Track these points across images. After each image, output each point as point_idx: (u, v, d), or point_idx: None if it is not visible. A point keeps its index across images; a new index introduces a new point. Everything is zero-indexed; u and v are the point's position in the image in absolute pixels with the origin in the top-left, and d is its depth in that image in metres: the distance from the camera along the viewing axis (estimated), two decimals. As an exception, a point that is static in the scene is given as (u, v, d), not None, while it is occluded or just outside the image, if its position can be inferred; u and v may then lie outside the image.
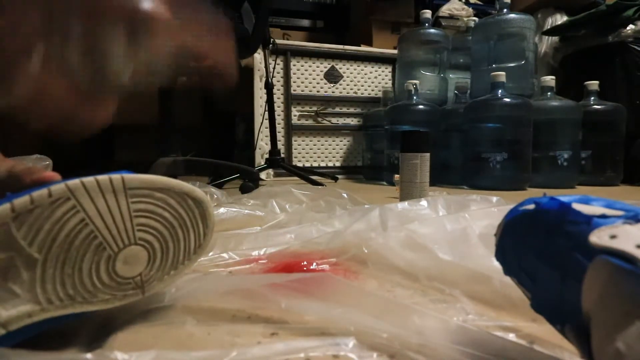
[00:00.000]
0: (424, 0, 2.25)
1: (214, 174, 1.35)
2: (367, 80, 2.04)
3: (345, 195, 0.77)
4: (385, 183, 1.67)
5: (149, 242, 0.28)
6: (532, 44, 1.57)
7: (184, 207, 0.30)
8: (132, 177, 0.27)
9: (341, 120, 2.02)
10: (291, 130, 1.93)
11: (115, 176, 0.26)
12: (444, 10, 2.20)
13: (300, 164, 1.94)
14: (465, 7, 2.23)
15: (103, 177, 0.26)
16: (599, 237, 0.19)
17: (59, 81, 0.17)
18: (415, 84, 1.57)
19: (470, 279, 0.36)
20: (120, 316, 0.30)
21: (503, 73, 1.41)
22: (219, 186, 1.19)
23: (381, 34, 2.15)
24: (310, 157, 1.98)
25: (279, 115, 1.89)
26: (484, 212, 0.46)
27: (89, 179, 0.25)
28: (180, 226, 0.30)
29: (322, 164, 2.00)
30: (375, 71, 2.05)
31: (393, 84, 2.04)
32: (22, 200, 0.23)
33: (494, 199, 0.60)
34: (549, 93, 1.53)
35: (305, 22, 2.36)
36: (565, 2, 2.01)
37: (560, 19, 1.99)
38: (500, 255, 0.26)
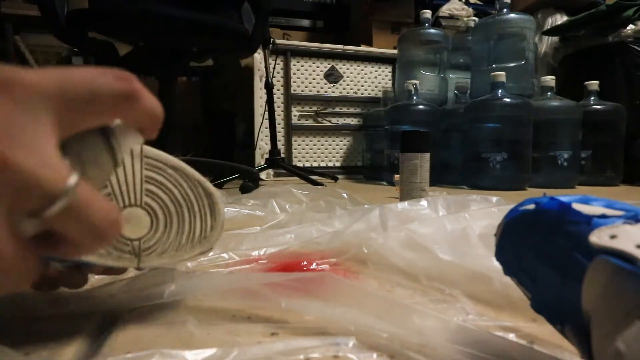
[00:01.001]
0: (424, 0, 2.25)
1: (214, 174, 1.35)
2: (367, 80, 2.04)
3: (345, 195, 0.77)
4: (385, 183, 1.67)
5: (154, 210, 0.29)
6: (532, 44, 1.57)
7: (193, 192, 0.31)
8: (150, 148, 0.29)
9: (341, 120, 2.02)
10: (291, 130, 1.93)
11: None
12: (444, 10, 2.20)
13: (300, 164, 1.94)
14: (465, 7, 2.23)
15: None
16: (599, 237, 0.19)
17: None
18: (415, 84, 1.57)
19: (470, 279, 0.36)
20: (121, 316, 0.30)
21: (503, 73, 1.41)
22: (219, 186, 1.19)
23: (381, 34, 2.15)
24: (310, 157, 1.98)
25: (279, 115, 1.89)
26: (484, 212, 0.46)
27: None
28: (187, 207, 0.31)
29: (322, 164, 2.00)
30: (375, 71, 2.05)
31: (393, 84, 2.04)
32: None
33: (494, 199, 0.60)
34: (549, 93, 1.53)
35: (305, 22, 2.36)
36: (565, 2, 2.01)
37: (560, 19, 1.99)
38: (500, 255, 0.26)
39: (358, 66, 2.02)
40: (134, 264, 0.29)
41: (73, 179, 0.14)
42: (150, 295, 0.31)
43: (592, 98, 1.57)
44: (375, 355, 0.25)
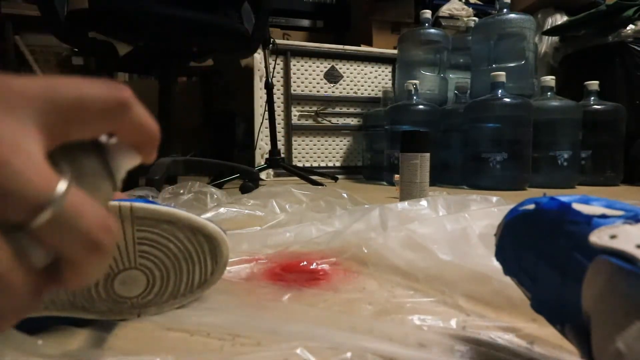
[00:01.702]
0: (424, 0, 2.24)
1: (214, 174, 1.35)
2: (367, 80, 2.04)
3: (345, 195, 0.77)
4: (385, 183, 1.67)
5: (150, 269, 0.29)
6: (532, 44, 1.57)
7: (191, 241, 0.30)
8: (140, 206, 0.28)
9: (341, 120, 2.02)
10: (291, 130, 1.93)
11: (124, 204, 0.27)
12: (444, 10, 2.19)
13: (300, 164, 1.94)
14: (465, 7, 2.23)
15: (113, 204, 0.27)
16: (599, 237, 0.19)
17: None
18: (415, 84, 1.57)
19: (470, 279, 0.36)
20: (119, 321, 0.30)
21: (503, 73, 1.41)
22: (219, 186, 1.19)
23: (381, 34, 2.15)
24: (310, 157, 1.98)
25: (279, 115, 1.89)
26: (484, 212, 0.46)
27: None
28: (185, 259, 0.30)
29: (322, 164, 2.00)
30: (375, 71, 2.05)
31: (393, 84, 2.04)
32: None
33: (494, 199, 0.60)
34: (549, 93, 1.53)
35: (305, 22, 2.36)
36: (565, 2, 2.01)
37: (560, 19, 1.99)
38: (500, 255, 0.26)
39: (358, 66, 2.02)
40: (135, 317, 0.29)
41: (63, 185, 0.13)
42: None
43: (592, 98, 1.57)
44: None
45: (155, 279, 0.29)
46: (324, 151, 2.01)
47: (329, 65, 1.97)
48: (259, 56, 1.74)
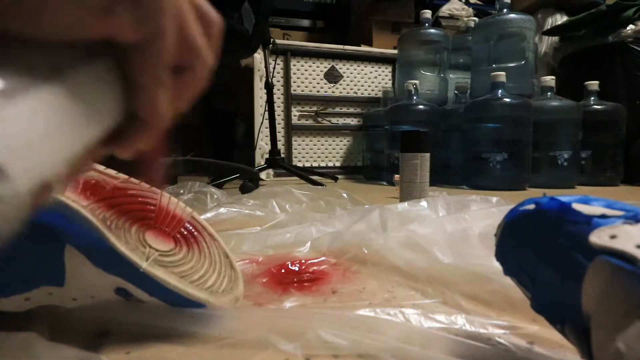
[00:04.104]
0: (424, 0, 2.25)
1: (214, 174, 1.35)
2: (367, 80, 2.04)
3: (345, 195, 0.77)
4: (385, 183, 1.67)
5: (180, 244, 0.33)
6: (532, 44, 1.57)
7: (220, 258, 0.34)
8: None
9: (341, 120, 2.02)
10: (291, 130, 1.93)
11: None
12: (444, 10, 2.20)
13: (300, 164, 1.94)
14: (465, 7, 2.23)
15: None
16: (599, 237, 0.19)
17: None
18: (415, 84, 1.57)
19: (470, 279, 0.36)
20: (116, 325, 0.30)
21: (503, 73, 1.41)
22: (219, 186, 1.19)
23: (381, 34, 2.15)
24: (310, 157, 1.98)
25: (279, 115, 1.89)
26: (483, 213, 0.46)
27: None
28: (210, 262, 0.33)
29: (322, 164, 2.00)
30: (375, 71, 2.05)
31: (393, 84, 2.04)
32: None
33: (494, 199, 0.60)
34: (549, 93, 1.53)
35: (305, 22, 2.36)
36: (565, 2, 2.01)
37: (560, 19, 1.99)
38: (500, 255, 0.26)
39: (358, 66, 2.02)
40: (141, 264, 0.29)
41: None
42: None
43: (592, 98, 1.57)
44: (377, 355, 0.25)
45: (180, 252, 0.32)
46: (324, 151, 2.01)
47: (329, 65, 1.97)
48: (259, 56, 1.74)
